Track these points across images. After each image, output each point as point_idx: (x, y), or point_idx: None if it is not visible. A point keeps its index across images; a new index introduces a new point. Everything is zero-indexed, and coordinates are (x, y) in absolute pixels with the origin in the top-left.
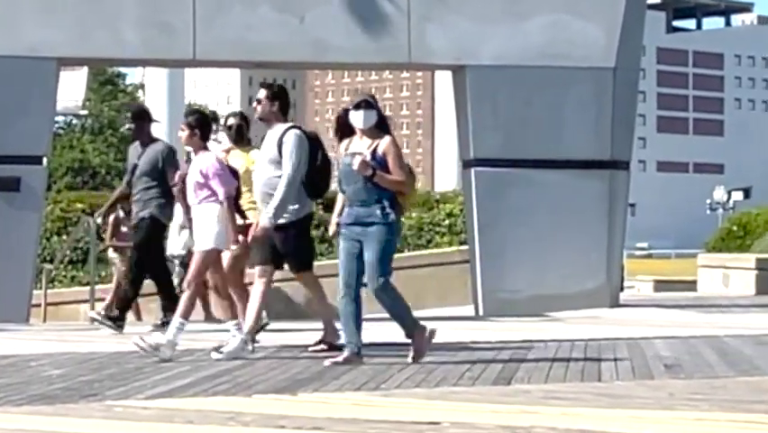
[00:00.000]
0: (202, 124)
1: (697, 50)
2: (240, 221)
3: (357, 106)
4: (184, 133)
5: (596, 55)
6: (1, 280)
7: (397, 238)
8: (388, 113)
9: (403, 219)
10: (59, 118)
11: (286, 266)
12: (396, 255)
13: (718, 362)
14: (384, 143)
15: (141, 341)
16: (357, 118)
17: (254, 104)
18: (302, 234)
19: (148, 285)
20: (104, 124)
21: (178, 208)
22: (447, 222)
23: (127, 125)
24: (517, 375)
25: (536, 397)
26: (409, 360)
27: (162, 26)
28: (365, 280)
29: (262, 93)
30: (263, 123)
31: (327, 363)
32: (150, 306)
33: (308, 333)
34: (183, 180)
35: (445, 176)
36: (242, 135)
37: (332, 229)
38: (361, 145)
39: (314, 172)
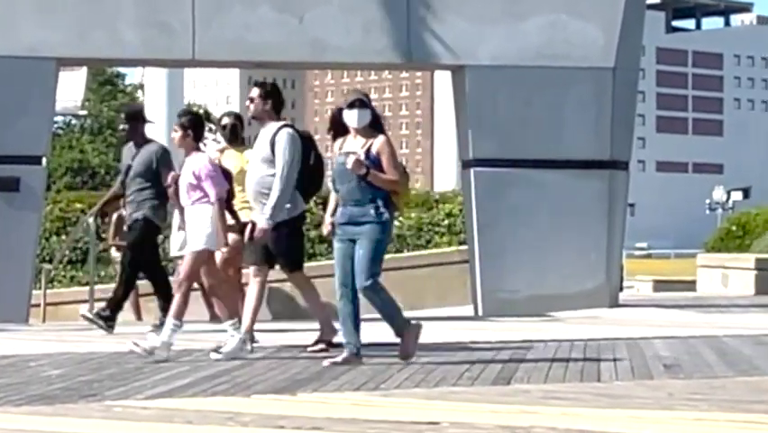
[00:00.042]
0: (195, 124)
1: (696, 50)
2: (231, 221)
3: (351, 105)
4: (177, 134)
5: (595, 55)
6: (0, 280)
7: (388, 237)
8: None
9: (402, 219)
10: (59, 118)
11: None
12: (395, 255)
13: (718, 362)
14: (378, 143)
15: (135, 346)
16: (351, 117)
17: (247, 102)
18: (294, 233)
19: (148, 285)
20: (103, 124)
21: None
22: (446, 222)
23: (121, 126)
24: (517, 375)
25: (536, 397)
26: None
27: (161, 26)
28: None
29: (255, 91)
30: (256, 121)
31: (326, 363)
32: (150, 305)
33: (308, 333)
34: (176, 182)
35: (445, 176)
36: (236, 135)
37: (326, 229)
38: (355, 144)
39: (306, 172)
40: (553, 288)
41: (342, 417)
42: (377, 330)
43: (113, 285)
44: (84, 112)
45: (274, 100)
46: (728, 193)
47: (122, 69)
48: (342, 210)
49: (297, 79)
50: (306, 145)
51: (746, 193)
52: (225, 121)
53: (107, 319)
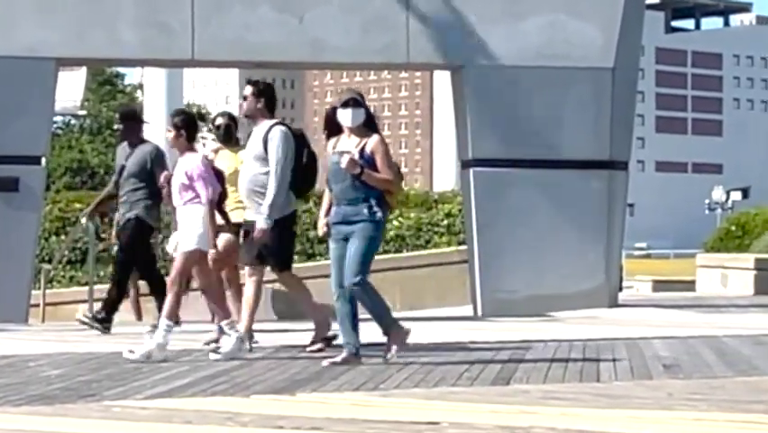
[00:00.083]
0: (188, 124)
1: (695, 50)
2: (222, 222)
3: (345, 105)
4: (170, 134)
5: (594, 55)
6: (0, 280)
7: (381, 236)
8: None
9: (401, 219)
10: (58, 118)
11: None
12: (394, 255)
13: (717, 362)
14: (372, 142)
15: (131, 354)
16: (345, 116)
17: (240, 100)
18: (284, 232)
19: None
20: (102, 124)
21: None
22: (446, 222)
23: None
24: (516, 375)
25: (535, 397)
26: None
27: (161, 26)
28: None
29: (248, 90)
30: (248, 119)
31: (325, 363)
32: (149, 306)
33: (308, 333)
34: (169, 182)
35: (444, 176)
36: (230, 135)
37: (320, 230)
38: (348, 144)
39: (299, 170)
40: (553, 288)
41: (341, 417)
42: (376, 330)
43: None
44: (83, 112)
45: (267, 98)
46: (728, 193)
47: (121, 69)
48: (336, 210)
49: (297, 79)
50: (298, 143)
51: (746, 193)
52: (219, 121)
53: (103, 321)
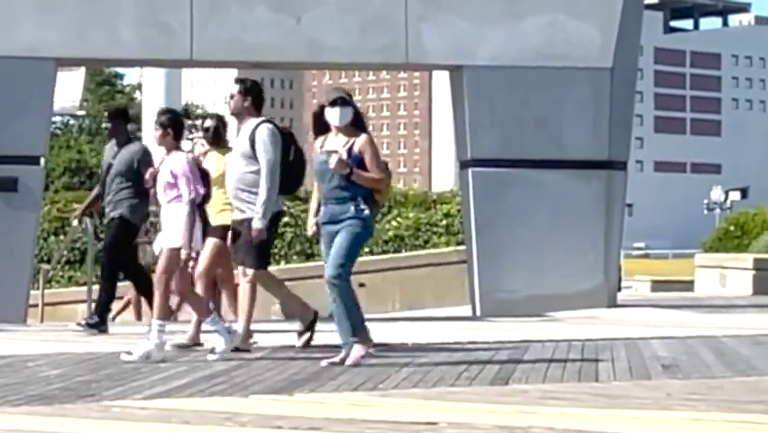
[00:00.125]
0: (175, 123)
1: (694, 50)
2: (215, 222)
3: (333, 103)
4: (157, 133)
5: (593, 55)
6: None
7: (368, 234)
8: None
9: (400, 219)
10: (57, 118)
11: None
12: (393, 255)
13: (716, 362)
14: (360, 141)
15: (129, 355)
16: (333, 115)
17: (227, 99)
18: (268, 231)
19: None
20: (101, 124)
21: None
22: (444, 222)
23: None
24: (515, 375)
25: (534, 397)
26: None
27: (160, 26)
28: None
29: (235, 88)
30: (236, 118)
31: (324, 363)
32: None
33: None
34: (155, 179)
35: (443, 176)
36: (218, 137)
37: (310, 230)
38: (336, 143)
39: (286, 168)
40: (551, 288)
41: (339, 417)
42: (375, 330)
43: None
44: (82, 112)
45: (254, 96)
46: (726, 193)
47: (120, 70)
48: (324, 209)
49: (295, 80)
50: (285, 141)
51: (744, 193)
52: (208, 123)
53: (97, 325)
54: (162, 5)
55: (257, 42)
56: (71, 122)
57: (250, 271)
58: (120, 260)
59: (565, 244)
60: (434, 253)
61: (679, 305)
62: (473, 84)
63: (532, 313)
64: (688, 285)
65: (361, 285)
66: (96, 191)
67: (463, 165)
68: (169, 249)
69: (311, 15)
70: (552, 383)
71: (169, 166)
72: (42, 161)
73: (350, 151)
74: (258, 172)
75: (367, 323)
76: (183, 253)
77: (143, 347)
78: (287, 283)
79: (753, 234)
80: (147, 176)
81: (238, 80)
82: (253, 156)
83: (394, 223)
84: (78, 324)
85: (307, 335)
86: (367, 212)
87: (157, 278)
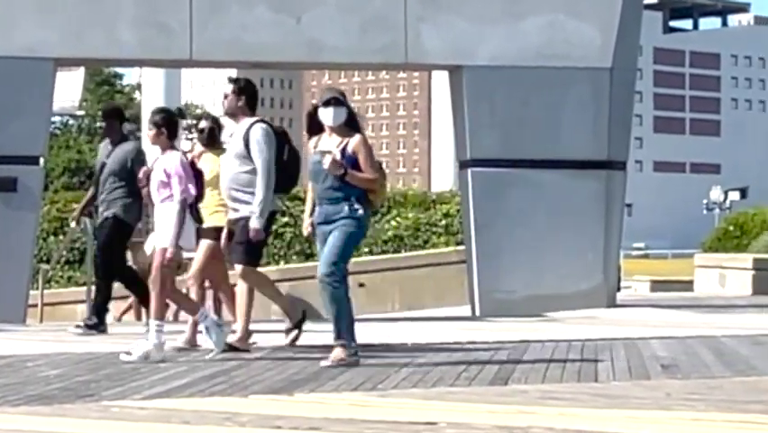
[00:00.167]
0: (168, 122)
1: (693, 50)
2: (209, 223)
3: (326, 103)
4: (151, 133)
5: (593, 55)
6: None
7: (362, 233)
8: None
9: (399, 219)
10: (56, 118)
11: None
12: (393, 256)
13: (715, 362)
14: (354, 141)
15: (128, 355)
16: (326, 115)
17: (221, 98)
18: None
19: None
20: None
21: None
22: (444, 222)
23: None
24: (514, 376)
25: (533, 397)
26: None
27: (159, 26)
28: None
29: (229, 88)
30: (229, 117)
31: (324, 363)
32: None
33: (307, 334)
34: (148, 177)
35: (442, 176)
36: (213, 138)
37: (305, 230)
38: (330, 143)
39: (280, 167)
40: (551, 288)
41: (339, 417)
42: (374, 330)
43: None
44: (81, 112)
45: (248, 96)
46: (726, 193)
47: (119, 70)
48: (319, 210)
49: (295, 80)
50: (279, 141)
51: (744, 193)
52: (203, 125)
53: (96, 326)
54: (162, 5)
55: (257, 42)
56: (70, 122)
57: (238, 267)
58: (114, 259)
59: (564, 244)
60: (434, 253)
61: (678, 305)
62: (473, 84)
63: (531, 313)
64: (687, 285)
65: (361, 285)
66: (91, 191)
67: (463, 165)
68: (162, 249)
69: (311, 15)
70: (551, 383)
71: (163, 165)
72: (42, 161)
73: (343, 151)
74: (252, 172)
75: (367, 323)
76: (169, 252)
77: (142, 347)
78: (286, 283)
79: (752, 234)
80: (140, 175)
81: (231, 80)
82: (247, 156)
83: (393, 223)
84: (77, 325)
85: (295, 332)
86: (361, 212)
87: (152, 279)
